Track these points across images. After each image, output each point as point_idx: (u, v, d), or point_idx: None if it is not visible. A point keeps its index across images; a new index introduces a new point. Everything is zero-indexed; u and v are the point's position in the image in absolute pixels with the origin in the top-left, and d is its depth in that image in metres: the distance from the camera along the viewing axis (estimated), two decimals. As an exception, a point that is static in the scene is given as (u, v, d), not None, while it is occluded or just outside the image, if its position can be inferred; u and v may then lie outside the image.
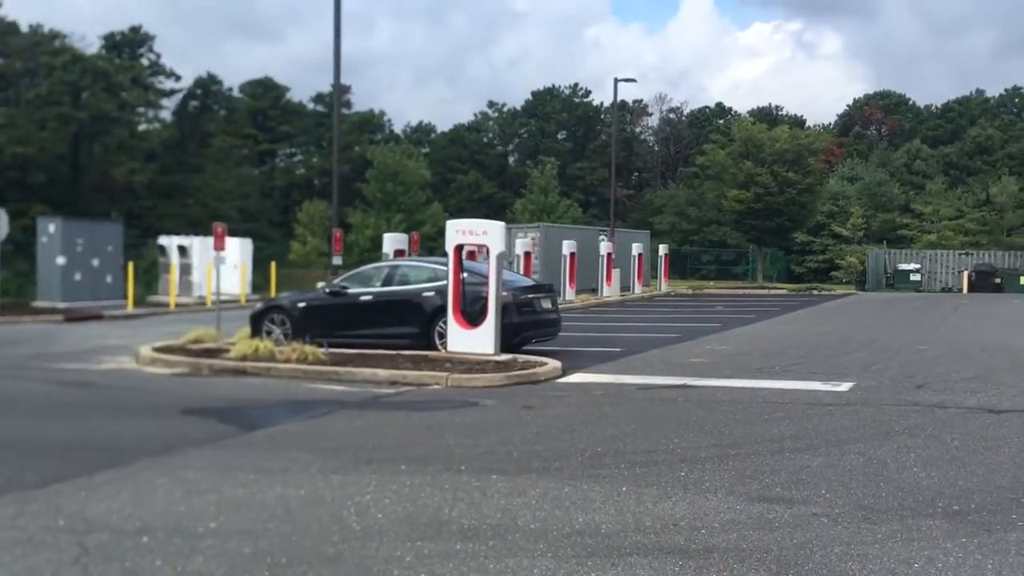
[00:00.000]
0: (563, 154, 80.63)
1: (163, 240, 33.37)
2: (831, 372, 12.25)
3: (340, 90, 20.56)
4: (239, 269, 32.72)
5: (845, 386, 10.97)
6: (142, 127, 64.09)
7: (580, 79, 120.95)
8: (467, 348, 13.24)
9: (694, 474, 6.94)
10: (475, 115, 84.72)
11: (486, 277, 14.74)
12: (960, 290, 39.33)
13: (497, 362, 12.79)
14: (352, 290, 15.23)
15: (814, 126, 77.37)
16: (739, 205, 41.50)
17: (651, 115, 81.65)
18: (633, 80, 36.47)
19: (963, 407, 9.60)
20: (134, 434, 8.70)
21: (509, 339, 14.27)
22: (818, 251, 57.93)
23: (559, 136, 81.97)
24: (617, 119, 36.33)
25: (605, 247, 33.30)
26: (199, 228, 51.21)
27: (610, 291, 33.19)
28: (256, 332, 15.62)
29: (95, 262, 29.67)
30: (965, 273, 40.09)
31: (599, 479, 6.83)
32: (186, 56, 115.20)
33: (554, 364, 12.72)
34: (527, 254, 27.44)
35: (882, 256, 43.10)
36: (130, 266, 28.77)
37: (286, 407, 10.21)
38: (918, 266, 41.36)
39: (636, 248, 36.33)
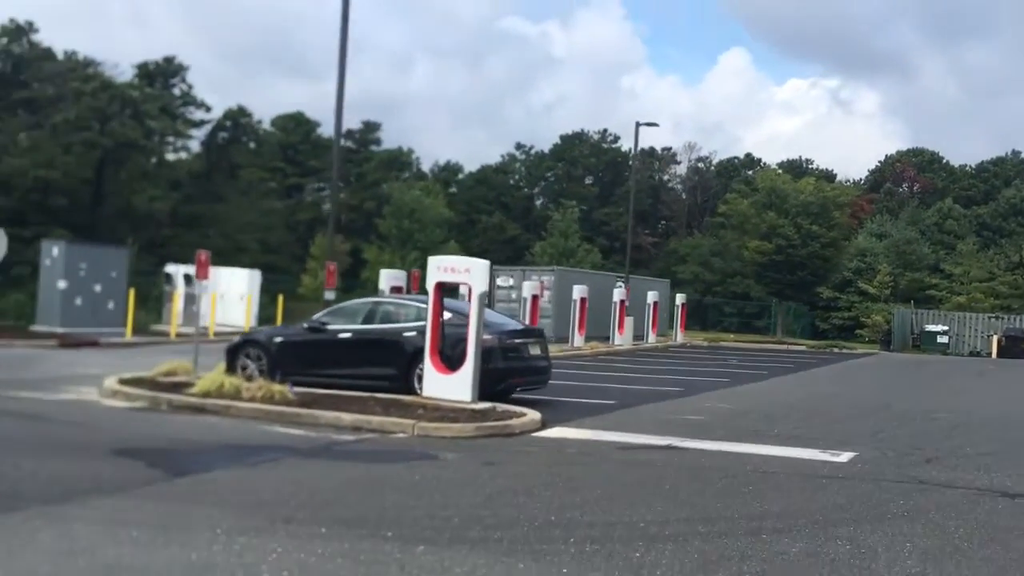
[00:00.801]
0: (589, 199, 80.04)
1: (170, 268, 32.87)
2: (834, 439, 11.24)
3: (340, 117, 19.98)
4: (244, 300, 32.11)
5: (845, 456, 9.97)
6: (170, 156, 64.35)
7: (614, 126, 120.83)
8: (444, 394, 12.37)
9: (650, 555, 6.01)
10: (502, 156, 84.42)
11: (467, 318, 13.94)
12: (989, 354, 37.90)
13: (473, 411, 11.89)
14: (332, 327, 14.43)
15: (845, 181, 76.39)
16: (760, 256, 40.43)
17: (679, 163, 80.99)
18: (655, 124, 35.85)
19: (974, 488, 8.58)
20: (45, 476, 7.88)
21: (492, 386, 13.37)
22: (843, 308, 56.54)
23: (586, 181, 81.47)
24: (638, 164, 35.64)
25: (618, 294, 32.38)
26: (219, 258, 50.97)
27: (622, 339, 32.21)
28: (231, 367, 14.82)
29: (97, 287, 29.14)
30: (995, 337, 38.69)
31: (540, 556, 5.92)
32: (229, 92, 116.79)
33: (533, 416, 11.82)
34: (535, 297, 26.60)
35: (908, 316, 41.82)
36: (131, 293, 28.23)
37: (228, 452, 9.38)
38: (946, 328, 40.01)
39: (652, 296, 35.39)
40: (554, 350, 27.44)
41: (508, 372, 13.55)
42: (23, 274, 38.80)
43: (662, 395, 16.30)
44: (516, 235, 75.99)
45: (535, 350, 14.17)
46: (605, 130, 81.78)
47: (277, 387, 12.60)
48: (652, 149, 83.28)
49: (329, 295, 21.89)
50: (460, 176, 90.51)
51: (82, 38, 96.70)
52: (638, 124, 35.06)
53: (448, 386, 12.35)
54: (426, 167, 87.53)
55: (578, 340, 29.21)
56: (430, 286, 12.67)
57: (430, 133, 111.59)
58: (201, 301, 17.81)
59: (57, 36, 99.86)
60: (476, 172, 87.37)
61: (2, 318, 30.87)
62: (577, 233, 51.68)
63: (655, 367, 23.85)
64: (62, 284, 28.19)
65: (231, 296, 33.52)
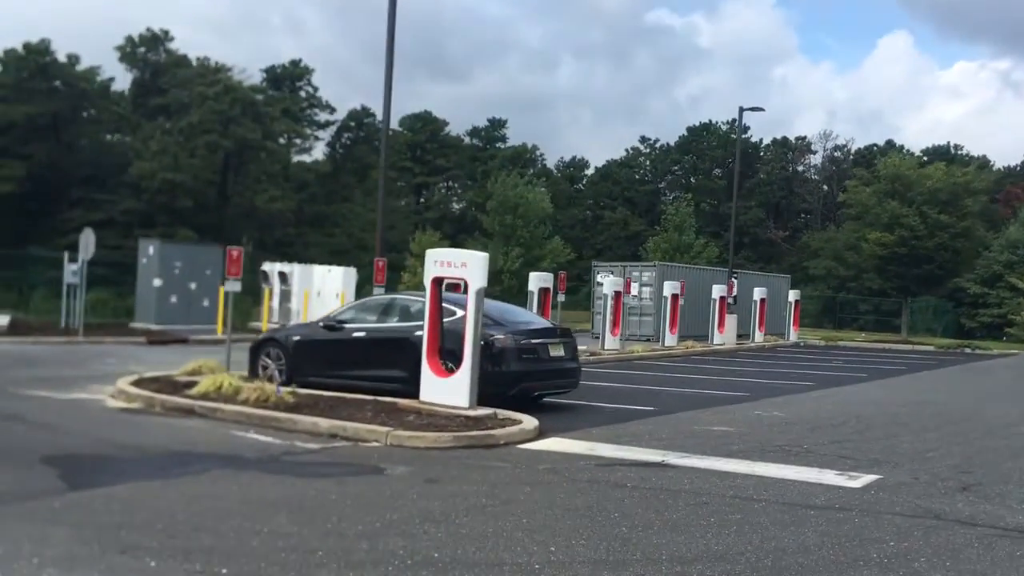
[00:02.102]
0: (717, 192, 77.38)
1: (266, 266, 33.19)
2: (869, 458, 9.64)
3: (389, 102, 19.30)
4: (339, 299, 31.99)
5: (863, 480, 8.43)
6: (295, 157, 65.95)
7: (763, 118, 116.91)
8: (441, 399, 11.40)
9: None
10: (627, 151, 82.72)
11: (487, 316, 12.93)
12: None
13: (466, 418, 10.89)
14: (349, 325, 13.69)
15: (1004, 168, 70.84)
16: (881, 249, 37.47)
17: (815, 153, 77.15)
18: (761, 109, 33.70)
19: (997, 526, 6.96)
20: (-66, 485, 7.39)
21: (503, 389, 12.33)
22: (993, 304, 52.33)
23: (714, 173, 78.79)
24: (741, 150, 33.45)
25: (718, 290, 30.56)
26: (343, 257, 51.64)
27: (722, 338, 30.41)
28: (253, 367, 14.34)
29: (192, 285, 29.68)
30: None
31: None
32: (377, 92, 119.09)
33: (528, 425, 10.71)
34: (617, 294, 25.22)
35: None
36: (221, 290, 28.49)
37: (163, 460, 8.71)
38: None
39: (758, 293, 33.30)
40: (644, 349, 26.14)
41: (523, 375, 12.45)
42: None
43: (717, 401, 14.85)
44: (640, 230, 74.24)
45: (557, 351, 13.00)
46: (734, 120, 78.75)
47: (271, 388, 11.99)
48: (785, 139, 79.82)
49: (379, 292, 21.34)
50: (586, 172, 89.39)
51: (245, 48, 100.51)
52: (741, 109, 33.09)
53: (445, 390, 11.38)
54: (550, 163, 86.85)
55: (670, 339, 27.67)
56: (427, 281, 11.73)
57: (574, 129, 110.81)
58: (231, 298, 17.35)
59: (222, 47, 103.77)
60: (602, 167, 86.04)
61: (114, 316, 31.97)
62: (693, 227, 49.64)
63: (741, 369, 22.16)
64: (157, 282, 28.80)
65: (327, 293, 33.48)
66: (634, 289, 34.42)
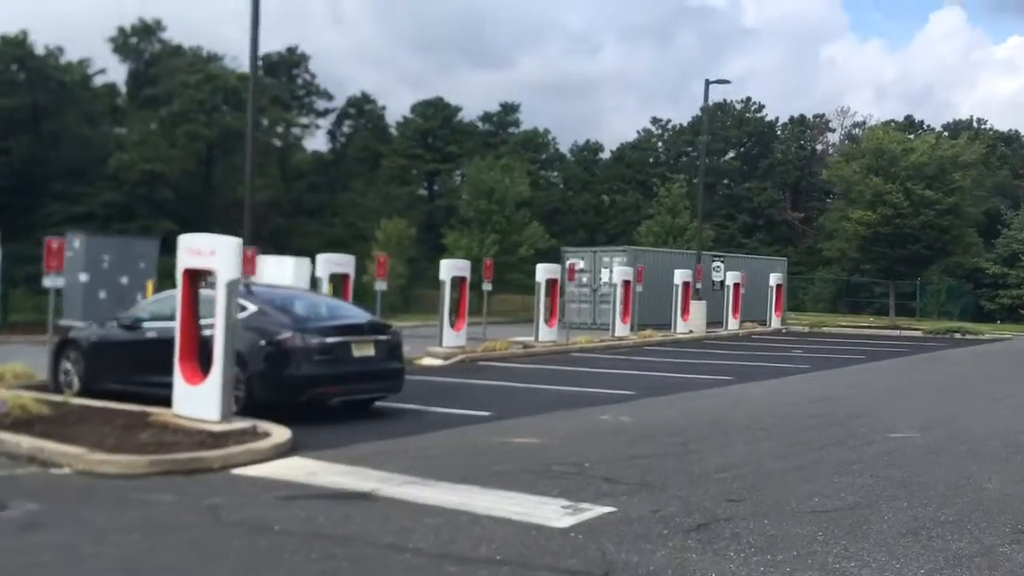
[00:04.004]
0: (731, 173, 74.87)
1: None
2: (639, 481, 7.82)
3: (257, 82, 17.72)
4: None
5: (582, 516, 6.62)
6: (286, 145, 64.70)
7: (812, 98, 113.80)
8: (191, 410, 9.80)
9: None
10: (638, 132, 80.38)
11: (285, 311, 11.32)
12: None
13: (210, 433, 9.25)
14: (146, 323, 12.12)
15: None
16: (863, 228, 35.06)
17: (833, 131, 74.23)
18: (727, 82, 31.44)
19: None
20: None
21: (291, 396, 10.72)
22: (1012, 285, 49.57)
23: (728, 155, 76.20)
24: (709, 124, 31.19)
25: (681, 275, 28.58)
26: (340, 248, 50.34)
27: (686, 326, 28.46)
28: (54, 372, 12.86)
29: (124, 279, 28.40)
30: None
31: None
32: (422, 84, 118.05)
33: (275, 440, 9.06)
34: (553, 282, 23.40)
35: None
36: (149, 285, 27.18)
37: None
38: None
39: (732, 277, 31.26)
40: (589, 341, 24.26)
41: (315, 380, 10.76)
42: None
43: (588, 401, 13.14)
44: (653, 214, 72.13)
45: (364, 351, 11.29)
46: (748, 98, 76.20)
47: (29, 397, 10.48)
48: (803, 117, 76.92)
49: (380, 286, 19.97)
50: (601, 156, 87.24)
51: (290, 40, 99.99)
52: (708, 82, 30.86)
53: (196, 401, 9.77)
54: (563, 148, 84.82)
55: (621, 329, 25.78)
56: (179, 273, 10.12)
57: (620, 113, 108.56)
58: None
59: (268, 40, 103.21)
60: (616, 151, 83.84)
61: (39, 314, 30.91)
62: (687, 210, 47.46)
63: (671, 362, 20.29)
64: (83, 277, 27.56)
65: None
66: (604, 275, 32.65)
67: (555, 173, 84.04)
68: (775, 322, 33.18)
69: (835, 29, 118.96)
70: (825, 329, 33.69)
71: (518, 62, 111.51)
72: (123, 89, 61.60)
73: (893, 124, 67.29)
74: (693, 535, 6.19)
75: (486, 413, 11.86)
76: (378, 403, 12.31)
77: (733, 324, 30.86)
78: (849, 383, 16.49)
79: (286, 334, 10.74)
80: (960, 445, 9.82)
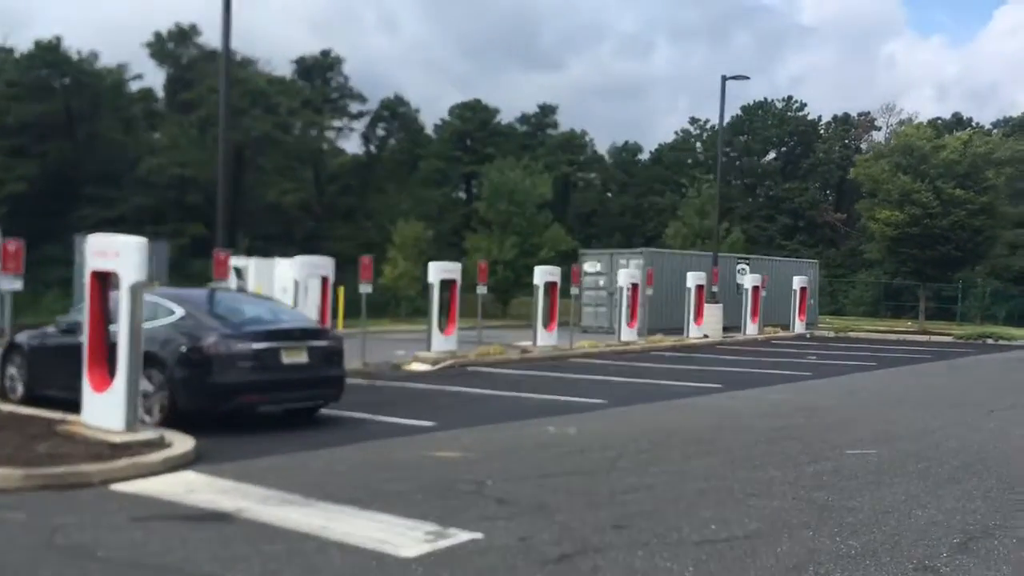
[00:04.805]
0: (771, 174, 73.37)
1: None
2: (529, 503, 7.15)
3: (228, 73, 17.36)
4: (288, 293, 30.25)
5: (439, 544, 6.01)
6: (323, 148, 64.84)
7: (872, 96, 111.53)
8: (97, 419, 9.37)
9: None
10: (676, 133, 79.20)
11: (213, 314, 10.87)
12: None
13: (110, 444, 8.79)
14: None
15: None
16: (890, 229, 33.69)
17: (879, 129, 72.32)
18: (746, 78, 30.40)
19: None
20: None
21: (213, 405, 10.25)
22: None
23: (769, 155, 74.71)
24: (723, 125, 30.14)
25: (693, 279, 27.70)
26: (371, 250, 50.18)
27: (700, 331, 27.58)
28: (0, 378, 12.57)
29: (134, 282, 28.37)
30: None
31: None
32: (471, 86, 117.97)
33: (164, 456, 8.53)
34: (552, 285, 22.72)
35: None
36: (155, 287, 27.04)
37: None
38: None
39: (750, 281, 30.27)
40: (593, 346, 23.46)
41: (239, 388, 10.26)
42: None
43: (555, 410, 12.50)
44: (681, 216, 71.01)
45: (296, 358, 10.76)
46: (790, 97, 74.71)
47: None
48: (846, 115, 75.09)
49: (365, 288, 19.60)
50: (640, 156, 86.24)
51: (341, 46, 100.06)
52: (724, 78, 29.83)
53: (102, 408, 9.34)
54: (601, 149, 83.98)
55: (628, 334, 25.01)
56: (87, 275, 9.71)
57: (672, 115, 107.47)
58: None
59: (317, 45, 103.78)
60: (655, 152, 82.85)
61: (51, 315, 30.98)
62: (717, 211, 46.27)
63: (669, 368, 19.53)
64: (93, 280, 27.59)
65: (291, 290, 31.91)
66: (621, 279, 31.87)
67: (593, 174, 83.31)
68: (799, 326, 32.10)
69: (894, 26, 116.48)
70: (851, 334, 32.49)
71: (568, 64, 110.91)
72: (160, 94, 62.30)
73: (940, 122, 65.40)
74: (548, 568, 5.53)
75: (430, 423, 11.28)
76: (324, 411, 11.83)
77: (752, 328, 29.87)
78: (844, 392, 15.59)
79: (209, 339, 10.27)
80: (918, 463, 8.99)
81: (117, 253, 9.27)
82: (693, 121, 77.78)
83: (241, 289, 30.94)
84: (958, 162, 33.15)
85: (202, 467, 8.46)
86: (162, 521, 6.68)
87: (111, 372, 9.56)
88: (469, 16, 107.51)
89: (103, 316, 9.67)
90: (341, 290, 30.68)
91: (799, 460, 9.06)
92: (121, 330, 9.19)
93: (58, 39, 52.42)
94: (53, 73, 52.77)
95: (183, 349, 10.30)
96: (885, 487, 7.90)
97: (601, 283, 32.90)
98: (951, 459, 9.25)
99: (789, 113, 74.07)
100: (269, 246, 48.05)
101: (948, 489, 7.93)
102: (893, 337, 30.99)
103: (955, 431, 11.23)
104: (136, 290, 9.18)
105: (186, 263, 45.44)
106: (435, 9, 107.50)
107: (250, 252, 41.89)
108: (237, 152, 55.15)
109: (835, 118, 74.64)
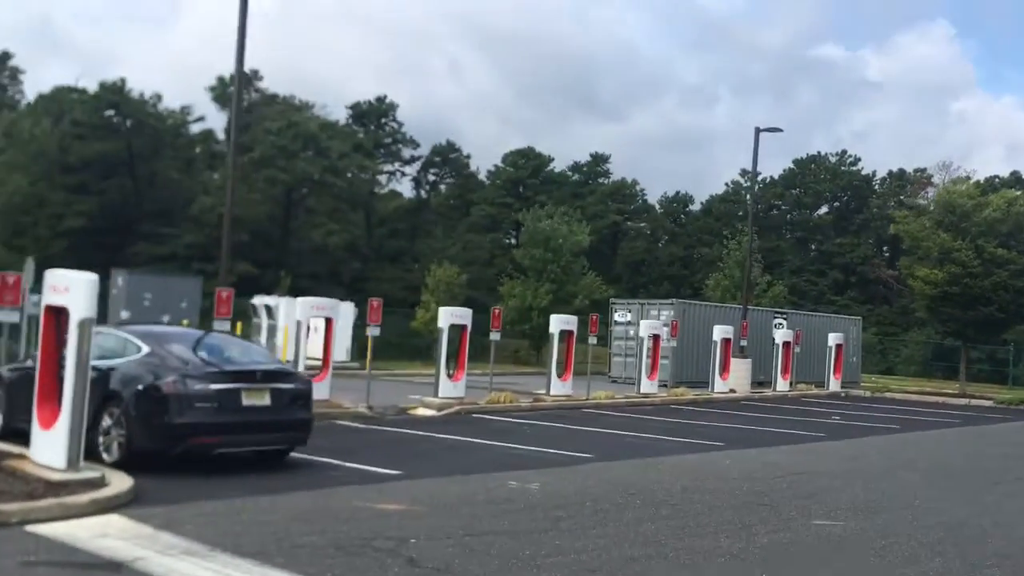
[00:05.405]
0: (823, 228, 72.12)
1: (255, 300, 32.01)
2: (436, 567, 6.83)
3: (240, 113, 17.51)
4: (319, 333, 30.30)
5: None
6: (377, 193, 65.75)
7: (937, 154, 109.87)
8: (42, 455, 9.29)
9: None
10: (727, 185, 78.56)
11: (176, 354, 10.77)
12: None
13: (48, 482, 8.69)
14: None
15: None
16: (930, 288, 32.63)
17: (935, 186, 70.65)
18: (779, 130, 29.94)
19: None
20: None
21: (166, 446, 10.10)
22: None
23: (821, 209, 73.56)
24: (756, 177, 29.51)
25: (720, 332, 27.08)
26: (417, 293, 50.32)
27: (725, 385, 26.90)
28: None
29: (165, 318, 28.68)
30: None
31: None
32: (532, 134, 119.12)
33: (92, 497, 8.34)
34: (569, 333, 22.35)
35: None
36: (184, 325, 27.38)
37: None
38: None
39: (782, 335, 29.52)
40: (609, 396, 22.90)
41: (193, 429, 10.09)
42: (208, 306, 40.14)
43: (531, 463, 12.12)
44: (723, 267, 70.05)
45: (258, 400, 10.58)
46: (844, 151, 73.60)
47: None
48: (902, 171, 73.68)
49: (373, 331, 19.60)
50: (690, 207, 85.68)
51: (404, 93, 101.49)
52: (758, 130, 29.40)
53: (47, 446, 9.25)
54: (652, 199, 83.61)
55: (648, 386, 24.45)
56: (41, 310, 9.69)
57: (730, 168, 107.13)
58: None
59: (383, 91, 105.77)
60: (705, 203, 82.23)
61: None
62: (759, 264, 45.62)
63: (678, 423, 18.98)
64: (124, 314, 27.98)
65: (321, 328, 32.08)
66: (642, 329, 31.32)
67: (642, 224, 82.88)
68: (834, 385, 31.16)
69: (963, 83, 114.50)
70: (888, 394, 31.41)
71: (629, 114, 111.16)
72: (221, 136, 63.84)
73: (997, 180, 63.76)
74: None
75: (397, 472, 11.00)
76: (296, 454, 11.65)
77: (782, 385, 29.06)
78: (848, 456, 14.92)
79: (168, 378, 10.16)
80: (885, 539, 8.42)
81: (67, 288, 9.24)
82: (744, 173, 76.94)
83: (262, 321, 31.16)
84: (1001, 221, 32.16)
85: (132, 510, 8.29)
86: (50, 567, 6.50)
87: (105, 408, 9.56)
88: (533, 65, 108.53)
89: (56, 352, 9.62)
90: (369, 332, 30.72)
91: (756, 529, 8.56)
92: (67, 367, 9.13)
93: (123, 80, 54.07)
94: (117, 113, 54.37)
95: (140, 387, 10.21)
96: (834, 564, 7.39)
97: (631, 333, 32.33)
98: (922, 535, 8.66)
99: (843, 167, 72.96)
100: (315, 286, 48.50)
101: (903, 570, 7.39)
102: (931, 399, 29.86)
103: (944, 504, 10.58)
104: (84, 326, 9.13)
105: (237, 301, 46.02)
106: (499, 57, 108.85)
107: (294, 292, 42.15)
108: (287, 193, 56.26)
109: (890, 173, 73.32)
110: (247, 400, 10.53)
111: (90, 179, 53.17)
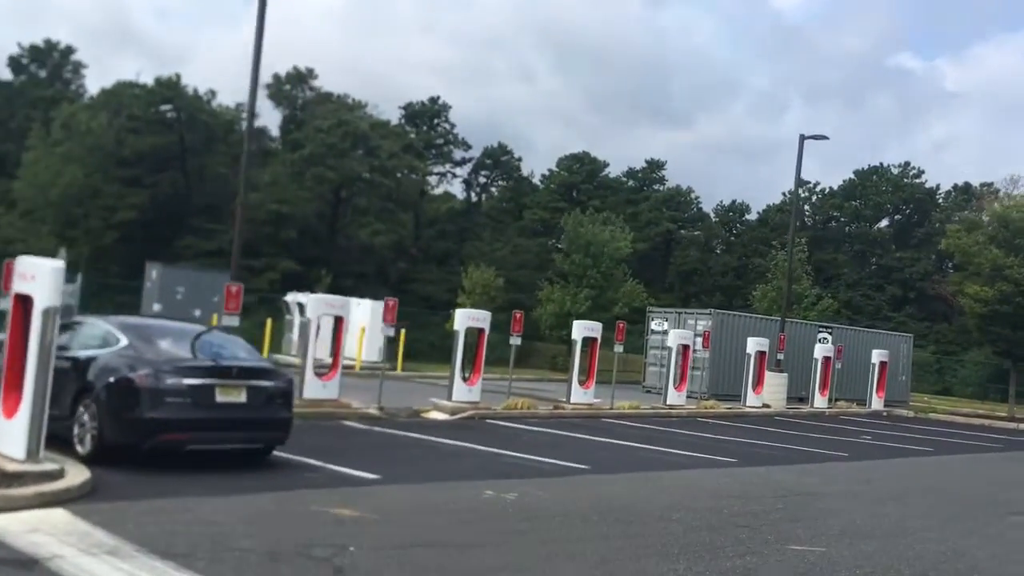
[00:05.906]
0: (882, 242, 70.36)
1: (288, 297, 32.11)
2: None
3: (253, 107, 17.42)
4: (359, 333, 30.31)
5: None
6: (428, 193, 65.86)
7: (1010, 169, 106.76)
8: (4, 447, 9.17)
9: None
10: (784, 195, 77.01)
11: (153, 346, 10.63)
12: None
13: (5, 473, 8.57)
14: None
15: None
16: (980, 306, 31.36)
17: (1001, 200, 68.43)
18: (825, 138, 29.08)
19: None
20: None
21: (135, 441, 9.93)
22: None
23: (881, 222, 71.76)
24: (799, 185, 28.67)
25: (754, 344, 26.35)
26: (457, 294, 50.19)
27: (758, 400, 26.17)
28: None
29: (196, 312, 28.90)
30: None
31: None
32: (592, 139, 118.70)
33: (38, 490, 8.18)
34: (593, 340, 21.88)
35: None
36: (214, 319, 27.54)
37: None
38: None
39: (821, 351, 28.63)
40: (633, 407, 22.36)
41: (164, 424, 9.89)
42: (250, 302, 40.48)
43: (524, 472, 11.74)
44: (771, 279, 68.65)
45: (233, 397, 10.36)
46: (907, 163, 71.72)
47: None
48: (967, 185, 71.54)
49: (387, 331, 19.40)
50: (747, 217, 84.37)
51: (474, 99, 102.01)
52: (802, 137, 28.57)
53: (7, 436, 9.13)
54: (707, 207, 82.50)
55: (675, 397, 23.86)
56: (10, 299, 9.58)
57: (792, 177, 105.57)
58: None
59: (452, 93, 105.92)
60: (762, 213, 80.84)
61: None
62: (808, 276, 44.49)
63: (700, 436, 18.40)
64: (156, 307, 28.26)
65: (353, 326, 32.14)
66: (671, 339, 30.70)
67: (697, 232, 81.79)
68: (876, 403, 30.15)
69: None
70: (932, 415, 30.30)
71: (696, 120, 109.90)
72: (275, 133, 64.58)
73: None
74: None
75: (375, 476, 10.71)
76: (278, 453, 11.43)
77: (820, 402, 28.18)
78: (862, 478, 14.24)
79: (140, 371, 10.00)
80: (858, 569, 7.87)
81: (33, 276, 9.12)
82: (802, 184, 75.42)
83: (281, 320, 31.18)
84: (1053, 236, 30.92)
85: (79, 505, 8.11)
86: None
87: (78, 400, 9.47)
88: (601, 70, 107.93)
89: (23, 341, 9.51)
90: (403, 333, 30.64)
91: (725, 553, 8.07)
92: (30, 356, 9.00)
93: (178, 76, 54.92)
94: (172, 108, 55.26)
95: (112, 379, 10.07)
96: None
97: (667, 342, 31.74)
98: (903, 567, 8.09)
99: (905, 179, 71.08)
100: (360, 285, 48.65)
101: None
102: (976, 422, 28.73)
103: (942, 534, 9.94)
104: (47, 315, 8.99)
105: (275, 298, 46.29)
106: (566, 62, 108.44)
107: (336, 290, 42.22)
108: (335, 191, 56.56)
109: (955, 187, 71.23)
110: (221, 397, 10.33)
111: (143, 173, 54.00)
